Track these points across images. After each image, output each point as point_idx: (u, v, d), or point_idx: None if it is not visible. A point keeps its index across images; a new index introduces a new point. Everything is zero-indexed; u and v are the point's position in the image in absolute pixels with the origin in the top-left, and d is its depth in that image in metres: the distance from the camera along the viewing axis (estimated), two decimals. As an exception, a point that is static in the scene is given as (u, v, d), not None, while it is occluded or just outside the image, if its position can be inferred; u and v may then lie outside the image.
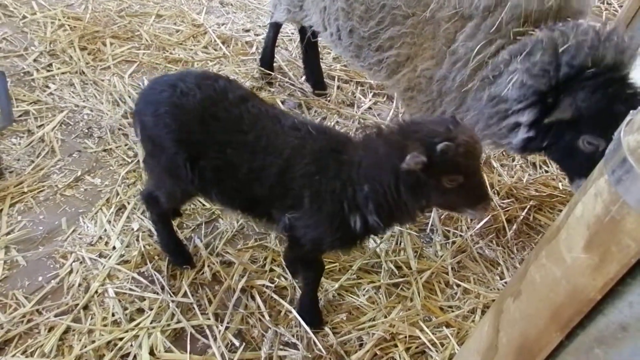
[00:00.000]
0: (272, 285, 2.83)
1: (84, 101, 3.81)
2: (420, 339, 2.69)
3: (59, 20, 4.51)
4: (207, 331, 2.57)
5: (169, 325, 2.56)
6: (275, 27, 4.24)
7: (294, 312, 2.66)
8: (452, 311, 2.89)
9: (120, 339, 2.46)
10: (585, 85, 2.24)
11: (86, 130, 3.61)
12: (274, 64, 4.51)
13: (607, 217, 1.12)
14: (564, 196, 3.71)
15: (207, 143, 2.25)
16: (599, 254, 1.15)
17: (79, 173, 3.28)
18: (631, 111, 1.19)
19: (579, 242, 1.20)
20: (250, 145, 2.21)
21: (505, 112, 2.49)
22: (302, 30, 3.96)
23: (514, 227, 3.44)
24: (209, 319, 2.61)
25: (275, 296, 2.77)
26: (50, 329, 2.48)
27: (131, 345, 2.45)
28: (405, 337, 2.69)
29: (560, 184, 3.86)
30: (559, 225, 1.32)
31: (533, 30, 2.44)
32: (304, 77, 4.50)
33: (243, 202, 2.39)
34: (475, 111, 2.64)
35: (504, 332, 1.55)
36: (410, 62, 2.93)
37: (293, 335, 2.61)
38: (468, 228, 3.38)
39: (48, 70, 4.01)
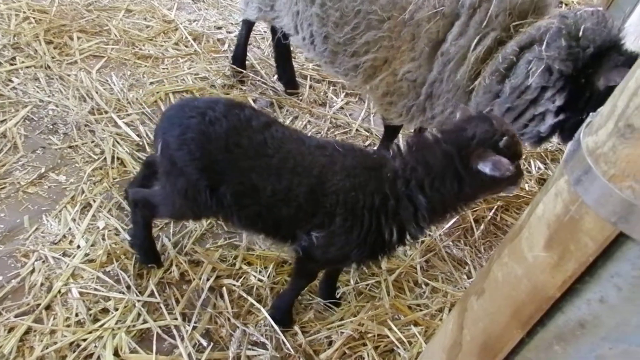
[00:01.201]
0: (241, 285, 2.81)
1: (49, 96, 3.70)
2: (388, 337, 2.71)
3: (24, 12, 4.37)
4: (174, 331, 2.53)
5: (134, 325, 2.51)
6: (248, 25, 4.21)
7: (263, 311, 2.65)
8: (421, 310, 2.92)
9: (84, 340, 2.41)
10: (611, 54, 2.39)
11: (51, 126, 3.51)
12: (246, 62, 4.48)
13: (566, 216, 1.14)
14: (530, 197, 3.79)
15: (231, 171, 2.26)
16: (558, 253, 1.17)
17: (43, 170, 3.19)
18: (591, 113, 1.22)
19: (539, 241, 1.23)
20: (275, 168, 2.23)
21: (529, 101, 2.53)
22: (274, 30, 3.94)
23: (482, 227, 3.50)
24: (176, 318, 2.57)
25: (244, 295, 2.75)
26: (10, 330, 2.40)
27: (95, 346, 2.40)
28: (374, 335, 2.70)
29: (526, 185, 3.94)
30: (521, 225, 1.35)
31: (530, 21, 2.56)
32: (276, 76, 4.48)
33: (266, 225, 2.39)
34: (494, 107, 2.64)
35: (468, 330, 1.57)
36: (388, 66, 2.94)
37: (262, 335, 2.59)
38: (437, 227, 3.42)
39: (11, 64, 3.88)
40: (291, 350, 2.55)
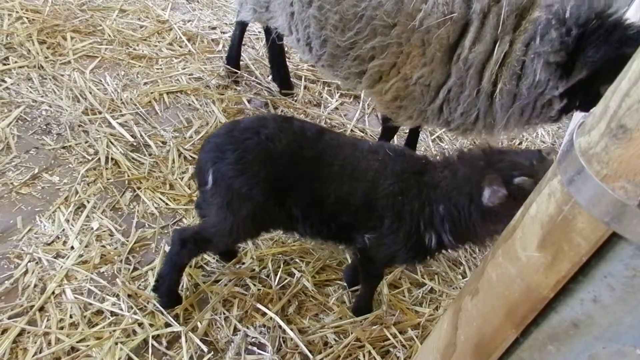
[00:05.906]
0: (242, 286, 2.80)
1: (42, 96, 3.68)
2: (386, 338, 2.71)
3: (17, 12, 4.35)
4: (172, 334, 2.52)
5: (129, 335, 2.49)
6: (242, 26, 4.20)
7: (271, 314, 2.65)
8: (418, 310, 2.92)
9: (79, 342, 2.40)
10: (590, 40, 2.35)
11: (44, 127, 3.49)
12: (241, 63, 4.48)
13: (559, 216, 1.15)
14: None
15: (296, 184, 2.27)
16: (551, 253, 1.18)
17: (36, 170, 3.17)
18: (583, 114, 1.23)
19: (533, 241, 1.23)
20: (336, 175, 2.26)
21: (539, 93, 2.58)
22: (268, 31, 3.91)
23: (476, 227, 3.49)
24: (173, 321, 2.56)
25: (243, 295, 2.75)
26: (4, 332, 2.39)
27: (91, 349, 2.39)
28: (372, 336, 2.70)
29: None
30: (515, 225, 1.35)
31: (525, 17, 2.57)
32: (270, 77, 4.48)
33: (330, 231, 2.41)
34: (516, 108, 2.69)
35: (462, 330, 1.57)
36: (397, 71, 2.91)
37: (261, 334, 2.59)
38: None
39: (4, 64, 3.86)
40: (289, 351, 2.54)
